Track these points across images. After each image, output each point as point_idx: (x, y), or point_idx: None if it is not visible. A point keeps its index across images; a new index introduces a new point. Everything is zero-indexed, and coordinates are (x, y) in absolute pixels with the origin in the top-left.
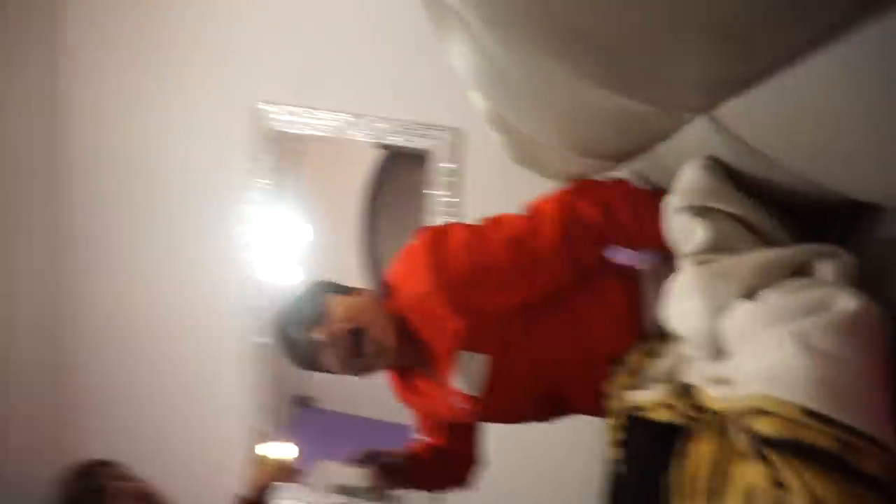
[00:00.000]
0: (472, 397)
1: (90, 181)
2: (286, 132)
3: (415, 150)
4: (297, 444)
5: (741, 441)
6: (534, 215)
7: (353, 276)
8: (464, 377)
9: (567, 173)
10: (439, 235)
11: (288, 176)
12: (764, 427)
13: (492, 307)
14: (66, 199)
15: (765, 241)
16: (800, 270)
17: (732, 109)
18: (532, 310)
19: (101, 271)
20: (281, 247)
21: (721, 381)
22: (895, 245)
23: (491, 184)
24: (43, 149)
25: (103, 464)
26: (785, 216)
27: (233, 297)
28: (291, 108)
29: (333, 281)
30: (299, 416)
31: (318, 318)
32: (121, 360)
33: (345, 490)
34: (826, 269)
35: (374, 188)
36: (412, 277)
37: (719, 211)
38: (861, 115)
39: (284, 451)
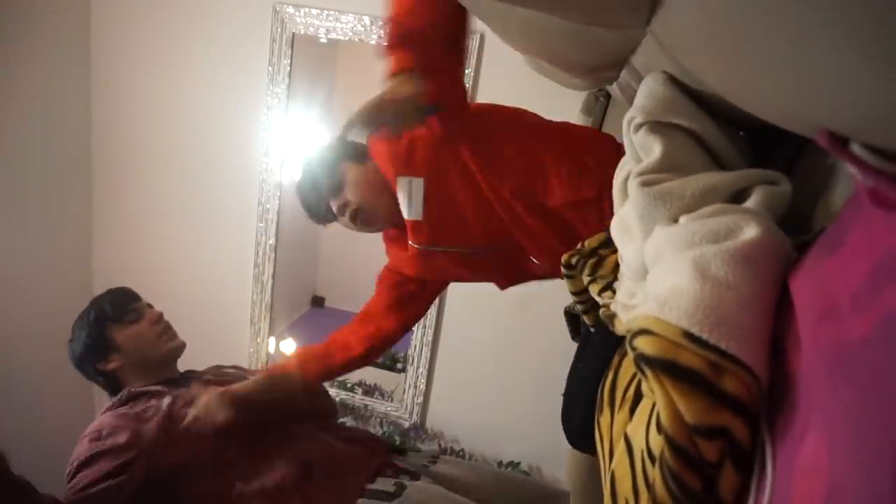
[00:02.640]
0: (416, 223)
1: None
2: (307, 34)
3: None
4: (306, 341)
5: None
6: None
7: None
8: (406, 204)
9: (571, 83)
10: None
11: (318, 81)
12: (645, 346)
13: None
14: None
15: (718, 161)
16: (740, 195)
17: (660, 23)
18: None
19: (124, 172)
20: (301, 151)
21: (629, 308)
22: (813, 173)
23: (504, 90)
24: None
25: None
26: (741, 138)
27: (252, 202)
28: (312, 10)
29: (352, 141)
30: (310, 315)
31: (333, 189)
32: (145, 260)
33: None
34: (755, 196)
35: None
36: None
37: (678, 127)
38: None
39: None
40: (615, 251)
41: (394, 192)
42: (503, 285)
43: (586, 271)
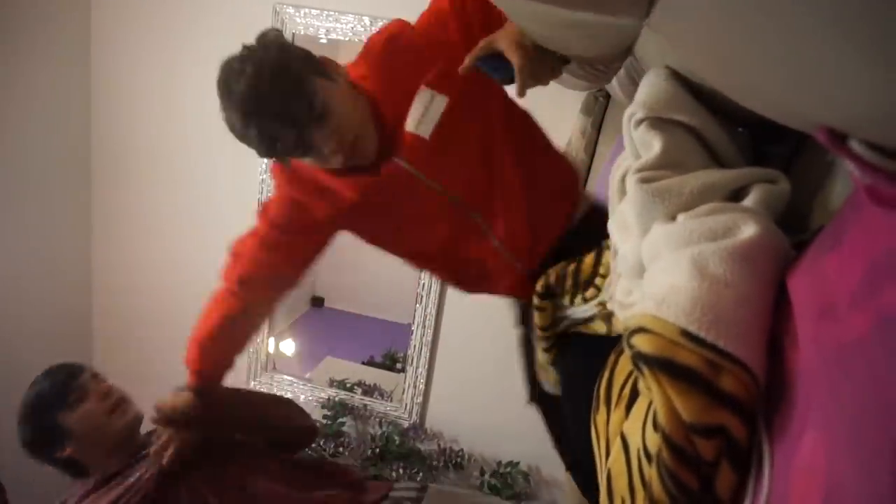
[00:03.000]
0: (417, 141)
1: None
2: (307, 35)
3: None
4: (305, 341)
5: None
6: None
7: None
8: (419, 118)
9: (571, 83)
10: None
11: None
12: (642, 344)
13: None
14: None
15: (717, 159)
16: (738, 193)
17: (659, 16)
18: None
19: (122, 166)
20: None
21: (626, 307)
22: (812, 171)
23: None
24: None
25: (82, 367)
26: (741, 135)
27: (253, 202)
28: (312, 10)
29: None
30: (310, 315)
31: (317, 117)
32: (145, 260)
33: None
34: (754, 195)
35: None
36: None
37: (679, 123)
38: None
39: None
40: (592, 253)
41: (374, 114)
42: (443, 272)
43: (568, 282)
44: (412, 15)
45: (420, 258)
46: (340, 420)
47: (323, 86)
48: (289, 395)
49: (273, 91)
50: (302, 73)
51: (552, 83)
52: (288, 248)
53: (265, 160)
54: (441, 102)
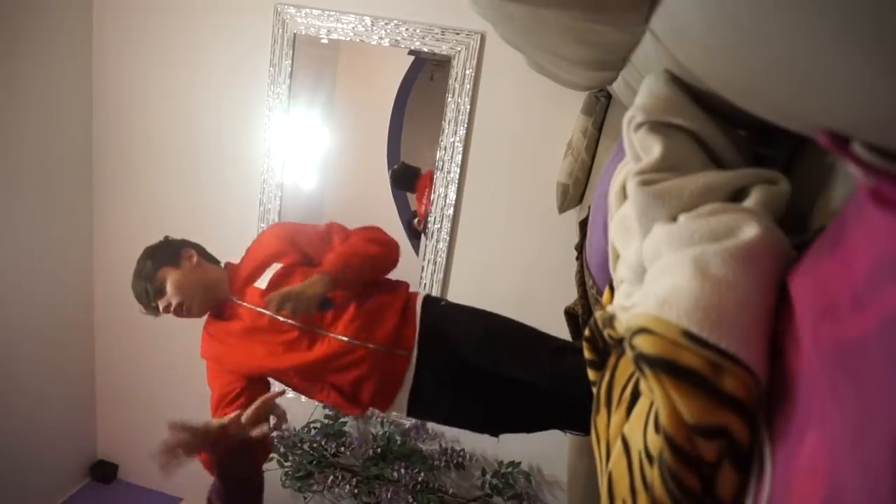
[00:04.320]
0: (259, 290)
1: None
2: (308, 35)
3: (441, 55)
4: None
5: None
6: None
7: (376, 180)
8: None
9: (571, 83)
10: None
11: (319, 82)
12: (644, 345)
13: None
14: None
15: (717, 161)
16: (739, 194)
17: (660, 21)
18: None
19: (120, 161)
20: (302, 152)
21: (627, 308)
22: (812, 172)
23: (504, 90)
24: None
25: None
26: (741, 137)
27: (254, 202)
28: (313, 11)
29: (166, 244)
30: None
31: (157, 293)
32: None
33: None
34: (754, 195)
35: (404, 94)
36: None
37: (678, 127)
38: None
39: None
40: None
41: (210, 281)
42: (295, 382)
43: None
44: (412, 15)
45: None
46: (342, 420)
47: (165, 270)
48: (290, 396)
49: (138, 272)
50: (156, 263)
51: (552, 84)
52: None
53: (265, 160)
54: (276, 266)
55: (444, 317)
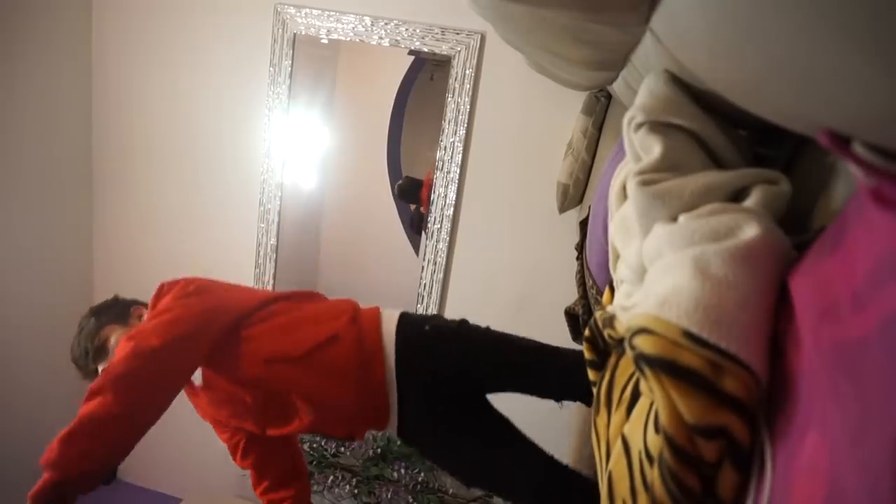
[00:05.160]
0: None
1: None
2: (308, 35)
3: (441, 55)
4: None
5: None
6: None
7: (376, 180)
8: None
9: (571, 83)
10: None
11: (319, 82)
12: (644, 345)
13: None
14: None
15: (717, 161)
16: (739, 194)
17: (661, 21)
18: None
19: (121, 171)
20: (302, 152)
21: (627, 308)
22: (813, 172)
23: (504, 90)
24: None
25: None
26: (741, 137)
27: (254, 202)
28: (313, 11)
29: (113, 303)
30: None
31: (98, 353)
32: (146, 260)
33: None
34: (755, 195)
35: (404, 94)
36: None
37: (678, 127)
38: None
39: None
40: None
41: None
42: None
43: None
44: (412, 15)
45: None
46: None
47: (111, 328)
48: None
49: (79, 330)
50: (100, 321)
51: (552, 84)
52: None
53: (265, 160)
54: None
55: (428, 353)
